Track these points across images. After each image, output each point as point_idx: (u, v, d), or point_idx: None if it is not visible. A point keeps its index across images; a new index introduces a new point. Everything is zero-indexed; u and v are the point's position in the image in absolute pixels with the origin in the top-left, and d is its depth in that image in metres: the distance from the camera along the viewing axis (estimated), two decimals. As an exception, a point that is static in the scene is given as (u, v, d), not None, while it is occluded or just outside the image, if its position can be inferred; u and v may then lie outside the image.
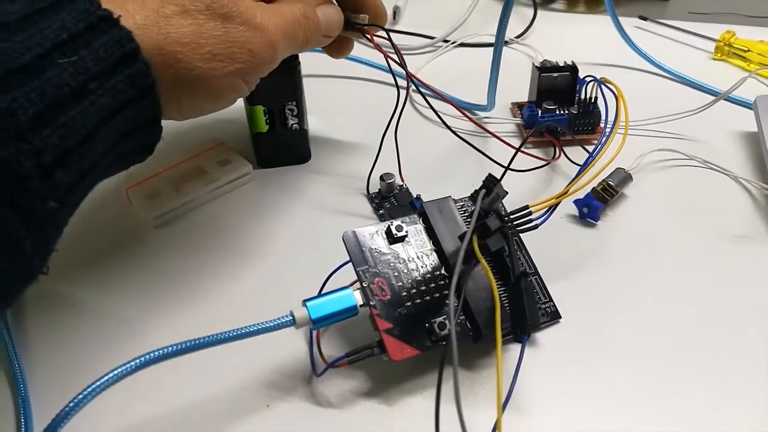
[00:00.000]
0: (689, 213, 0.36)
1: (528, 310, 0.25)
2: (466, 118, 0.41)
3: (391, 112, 0.35)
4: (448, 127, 0.37)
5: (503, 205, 0.31)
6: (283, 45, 0.29)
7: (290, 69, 0.36)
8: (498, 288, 0.28)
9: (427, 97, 0.38)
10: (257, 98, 0.37)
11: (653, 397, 0.27)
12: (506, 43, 0.53)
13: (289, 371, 0.27)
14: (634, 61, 0.49)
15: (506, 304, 0.27)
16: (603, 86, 0.38)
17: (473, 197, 0.25)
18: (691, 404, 0.26)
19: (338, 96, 0.46)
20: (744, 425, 0.26)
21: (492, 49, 0.39)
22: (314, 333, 0.28)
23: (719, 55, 0.50)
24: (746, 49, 0.49)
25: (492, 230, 0.25)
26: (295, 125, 0.38)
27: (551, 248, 0.33)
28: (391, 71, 0.34)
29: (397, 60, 0.34)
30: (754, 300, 0.31)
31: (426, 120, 0.44)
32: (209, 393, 0.27)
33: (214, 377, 0.27)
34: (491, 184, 0.25)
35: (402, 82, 0.35)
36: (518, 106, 0.44)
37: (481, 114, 0.44)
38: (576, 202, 0.35)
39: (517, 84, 0.44)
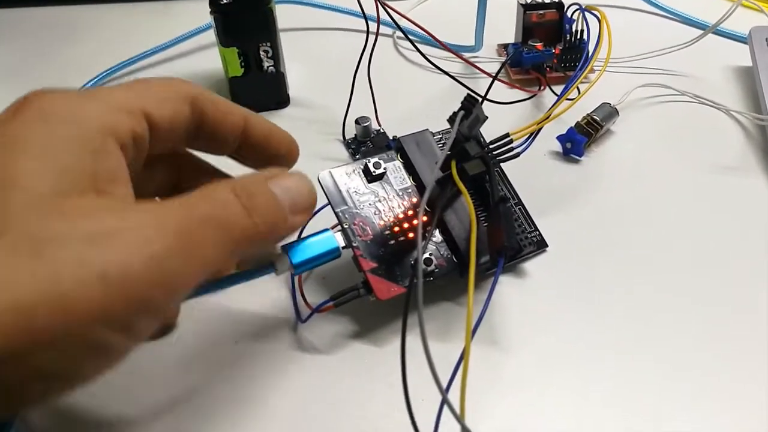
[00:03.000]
0: (679, 148, 0.34)
1: (505, 233, 0.24)
2: (458, 61, 0.40)
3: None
4: (429, 61, 0.36)
5: (482, 136, 0.30)
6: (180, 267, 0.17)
7: (261, 6, 0.35)
8: (479, 217, 0.27)
9: (413, 40, 0.37)
10: (229, 40, 0.36)
11: (636, 334, 0.26)
12: (496, -14, 0.51)
13: (273, 321, 0.26)
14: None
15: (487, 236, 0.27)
16: (590, 14, 0.36)
17: (451, 120, 0.24)
18: (677, 340, 0.25)
19: (320, 45, 0.45)
20: (727, 361, 0.25)
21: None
22: (296, 279, 0.27)
23: (717, -9, 0.48)
24: (745, -17, 0.47)
25: (471, 154, 0.24)
26: (270, 68, 0.37)
27: (535, 183, 0.32)
28: (361, 8, 0.33)
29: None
30: (747, 233, 0.30)
31: (411, 64, 0.42)
32: (191, 350, 0.25)
33: (195, 333, 0.26)
34: (470, 104, 0.24)
35: (372, 24, 0.33)
36: (504, 47, 0.42)
37: (468, 55, 0.43)
38: (559, 137, 0.33)
39: (507, 27, 0.43)
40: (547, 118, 0.28)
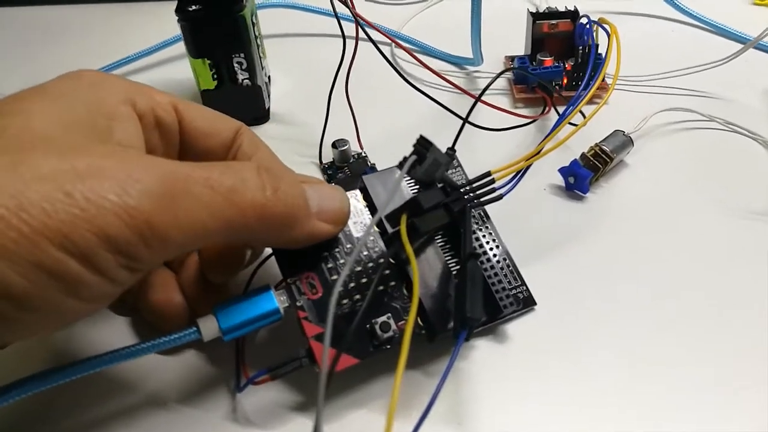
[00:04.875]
0: (704, 185, 0.30)
1: (469, 300, 0.20)
2: (459, 75, 0.36)
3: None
4: (407, 80, 0.31)
5: (464, 172, 0.26)
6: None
7: (233, 13, 0.31)
8: (452, 270, 0.23)
9: (413, 54, 0.33)
10: (199, 51, 0.32)
11: (638, 413, 0.21)
12: (509, -10, 0.47)
13: (211, 384, 0.23)
14: (659, 7, 0.42)
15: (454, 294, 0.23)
16: (600, 28, 0.32)
17: (400, 166, 0.20)
18: (694, 414, 0.21)
19: (308, 53, 0.41)
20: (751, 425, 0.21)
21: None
22: (239, 341, 0.23)
23: (760, -1, 0.43)
24: (794, -10, 0.41)
25: (424, 207, 0.20)
26: (246, 81, 0.34)
27: (529, 225, 0.28)
28: (335, 11, 0.29)
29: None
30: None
31: (411, 79, 0.38)
32: (113, 409, 0.22)
33: (121, 390, 0.23)
34: (423, 148, 0.20)
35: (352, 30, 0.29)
36: (511, 59, 0.38)
37: (471, 68, 0.39)
38: (561, 170, 0.29)
39: (517, 36, 0.38)
40: (537, 153, 0.24)
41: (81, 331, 0.24)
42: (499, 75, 0.26)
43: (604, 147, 0.29)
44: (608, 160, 0.29)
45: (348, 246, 0.22)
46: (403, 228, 0.20)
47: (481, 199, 0.24)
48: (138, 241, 0.16)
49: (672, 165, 0.31)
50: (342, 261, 0.22)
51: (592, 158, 0.29)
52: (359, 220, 0.23)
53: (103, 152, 0.17)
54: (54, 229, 0.15)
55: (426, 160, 0.20)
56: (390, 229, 0.22)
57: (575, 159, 0.29)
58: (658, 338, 0.24)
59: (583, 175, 0.28)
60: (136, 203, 0.16)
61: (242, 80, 0.34)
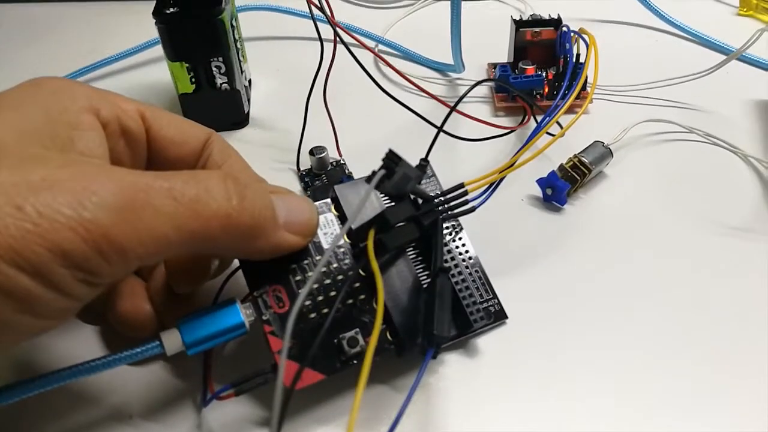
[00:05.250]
0: (682, 199, 0.29)
1: (437, 317, 0.20)
2: (441, 82, 0.35)
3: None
4: (381, 87, 0.31)
5: (438, 182, 0.26)
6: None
7: (210, 17, 0.31)
8: (424, 283, 0.23)
9: (386, 61, 0.33)
10: (177, 54, 0.32)
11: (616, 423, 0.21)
12: (496, -4, 0.47)
13: (179, 397, 0.22)
14: (643, 16, 0.42)
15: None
16: (580, 38, 0.32)
17: (369, 180, 0.20)
18: (666, 427, 0.21)
19: (291, 57, 0.41)
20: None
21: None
22: (207, 354, 0.22)
23: (745, 9, 0.43)
24: (778, 1, 0.41)
25: (391, 223, 0.20)
26: (224, 85, 0.33)
27: (505, 236, 0.28)
28: (313, 18, 0.29)
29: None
30: (754, 307, 0.25)
31: (390, 83, 0.38)
32: (78, 418, 0.22)
33: (87, 399, 0.22)
34: (392, 162, 0.20)
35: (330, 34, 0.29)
36: (494, 67, 0.38)
37: (453, 75, 0.38)
38: (539, 181, 0.29)
39: (503, 43, 0.38)
40: (511, 165, 0.24)
41: (47, 341, 0.24)
42: (474, 85, 0.26)
43: (582, 158, 0.29)
44: (587, 171, 0.29)
45: (318, 258, 0.22)
46: (369, 243, 0.20)
47: (453, 212, 0.24)
48: (95, 255, 0.16)
49: (651, 177, 0.31)
50: (311, 273, 0.22)
51: (570, 170, 0.29)
52: (330, 231, 0.23)
53: (59, 163, 0.17)
54: (4, 245, 0.15)
55: (395, 175, 0.20)
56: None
57: (553, 170, 0.29)
58: (633, 352, 0.23)
59: (561, 187, 0.28)
60: (92, 216, 0.16)
61: (221, 84, 0.33)
